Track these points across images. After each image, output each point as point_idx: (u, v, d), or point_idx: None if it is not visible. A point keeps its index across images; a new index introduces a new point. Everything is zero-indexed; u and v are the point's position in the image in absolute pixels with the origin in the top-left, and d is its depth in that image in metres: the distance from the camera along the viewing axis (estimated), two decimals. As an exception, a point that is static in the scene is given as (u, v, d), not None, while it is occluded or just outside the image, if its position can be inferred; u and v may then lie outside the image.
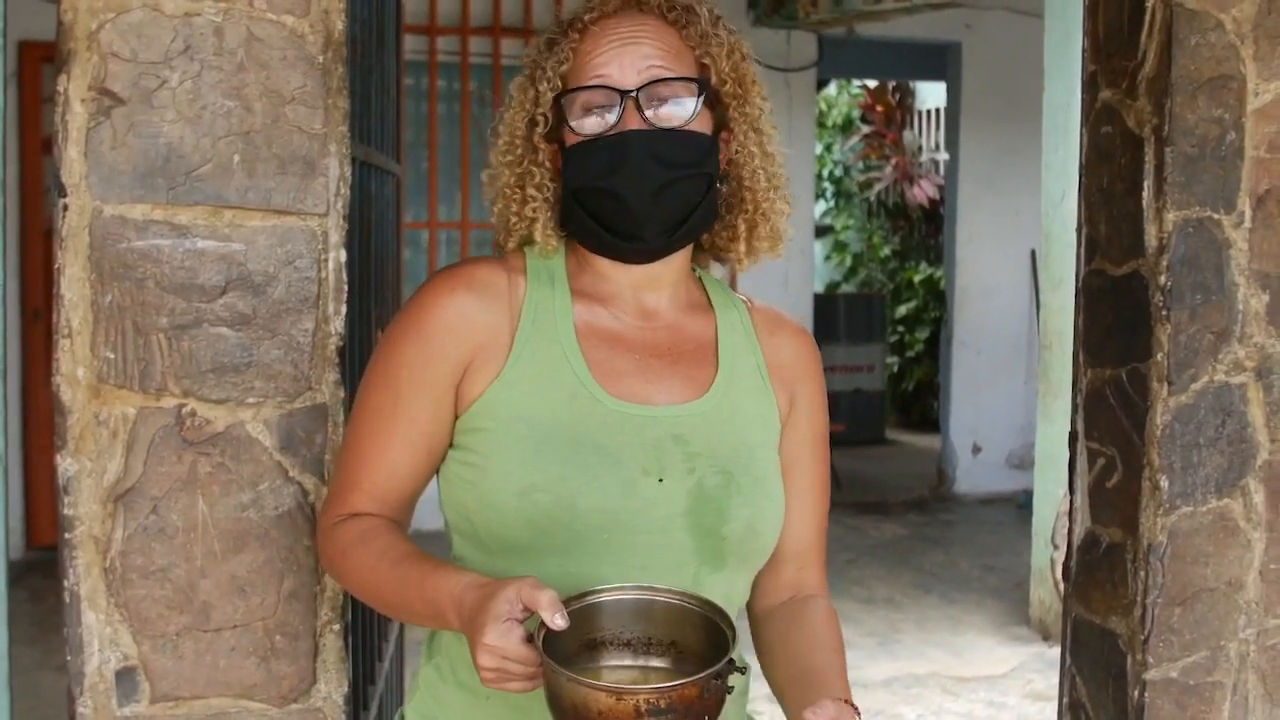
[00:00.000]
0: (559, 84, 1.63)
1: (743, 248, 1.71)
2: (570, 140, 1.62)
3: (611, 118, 1.59)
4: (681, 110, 1.60)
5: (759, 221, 1.70)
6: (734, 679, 1.39)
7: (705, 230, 1.68)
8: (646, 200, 1.58)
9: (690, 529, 1.57)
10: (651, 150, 1.58)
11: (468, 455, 1.59)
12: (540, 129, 1.64)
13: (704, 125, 1.63)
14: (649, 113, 1.59)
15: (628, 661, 1.45)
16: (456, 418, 1.61)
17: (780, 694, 1.64)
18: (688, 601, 1.45)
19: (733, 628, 1.40)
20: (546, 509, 1.53)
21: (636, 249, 1.62)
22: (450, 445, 1.62)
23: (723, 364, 1.67)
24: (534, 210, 1.65)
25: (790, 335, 1.76)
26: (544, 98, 1.63)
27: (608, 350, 1.62)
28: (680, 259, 1.68)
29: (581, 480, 1.54)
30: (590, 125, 1.60)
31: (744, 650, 1.69)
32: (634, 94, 1.58)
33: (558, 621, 1.34)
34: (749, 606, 1.75)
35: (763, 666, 1.73)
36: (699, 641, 1.43)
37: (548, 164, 1.65)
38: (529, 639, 1.35)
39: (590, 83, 1.60)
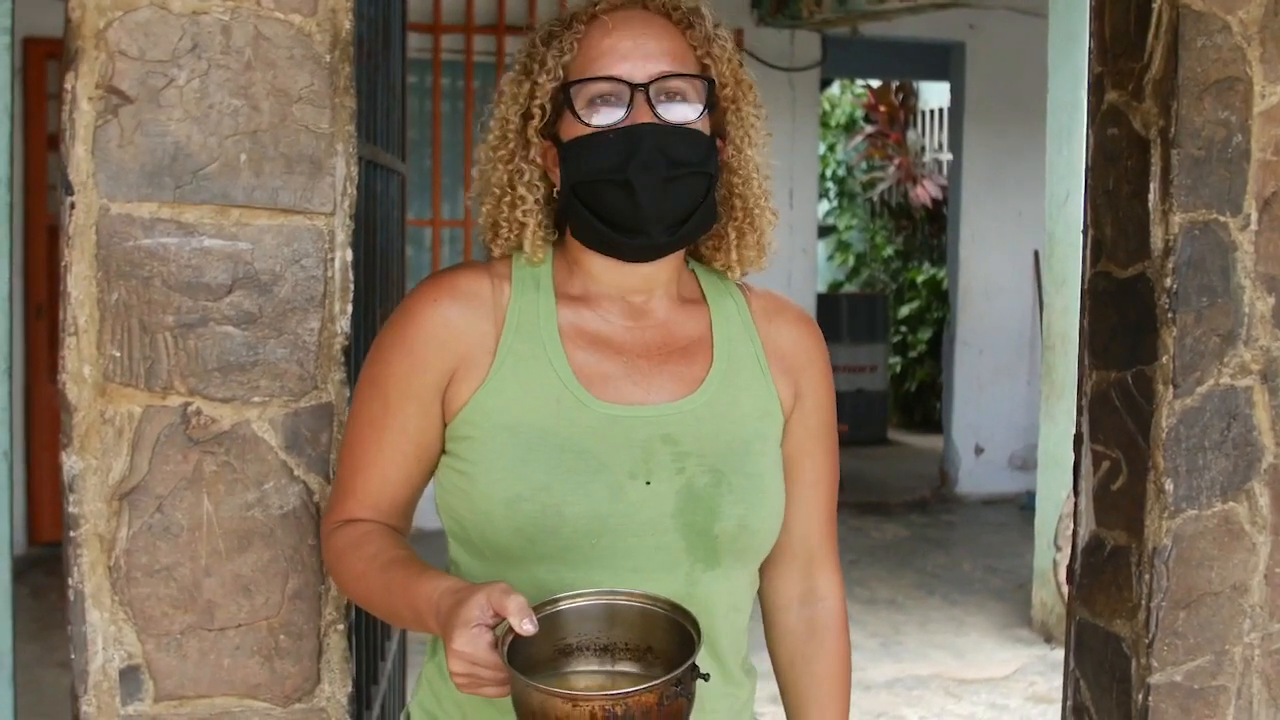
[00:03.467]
0: (561, 75, 1.59)
1: (732, 256, 1.68)
2: (573, 133, 1.58)
3: (620, 111, 1.56)
4: (689, 108, 1.58)
5: (747, 230, 1.67)
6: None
7: (705, 230, 1.64)
8: (655, 195, 1.54)
9: (680, 529, 1.56)
10: (661, 145, 1.55)
11: (458, 462, 1.59)
12: (536, 122, 1.61)
13: (705, 127, 1.60)
14: (658, 108, 1.56)
15: (596, 666, 1.44)
16: (446, 425, 1.60)
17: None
18: (652, 604, 1.43)
19: (698, 631, 1.37)
20: (533, 518, 1.52)
21: (640, 245, 1.58)
22: (443, 451, 1.62)
23: (718, 357, 1.65)
24: (524, 214, 1.62)
25: (790, 321, 1.73)
26: (542, 89, 1.59)
27: (594, 353, 1.60)
28: (674, 259, 1.65)
29: (567, 488, 1.53)
30: (598, 118, 1.57)
31: (756, 647, 1.69)
32: (645, 88, 1.55)
33: (525, 627, 1.33)
34: (761, 596, 1.74)
35: (775, 674, 1.74)
36: (670, 645, 1.40)
37: (539, 160, 1.62)
38: (498, 645, 1.34)
39: (601, 74, 1.57)
